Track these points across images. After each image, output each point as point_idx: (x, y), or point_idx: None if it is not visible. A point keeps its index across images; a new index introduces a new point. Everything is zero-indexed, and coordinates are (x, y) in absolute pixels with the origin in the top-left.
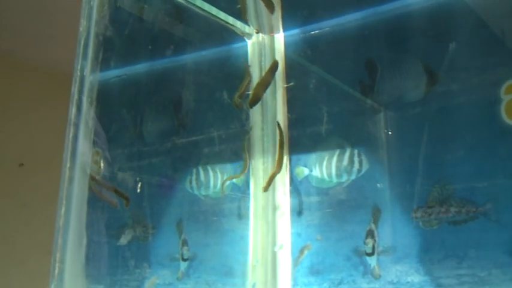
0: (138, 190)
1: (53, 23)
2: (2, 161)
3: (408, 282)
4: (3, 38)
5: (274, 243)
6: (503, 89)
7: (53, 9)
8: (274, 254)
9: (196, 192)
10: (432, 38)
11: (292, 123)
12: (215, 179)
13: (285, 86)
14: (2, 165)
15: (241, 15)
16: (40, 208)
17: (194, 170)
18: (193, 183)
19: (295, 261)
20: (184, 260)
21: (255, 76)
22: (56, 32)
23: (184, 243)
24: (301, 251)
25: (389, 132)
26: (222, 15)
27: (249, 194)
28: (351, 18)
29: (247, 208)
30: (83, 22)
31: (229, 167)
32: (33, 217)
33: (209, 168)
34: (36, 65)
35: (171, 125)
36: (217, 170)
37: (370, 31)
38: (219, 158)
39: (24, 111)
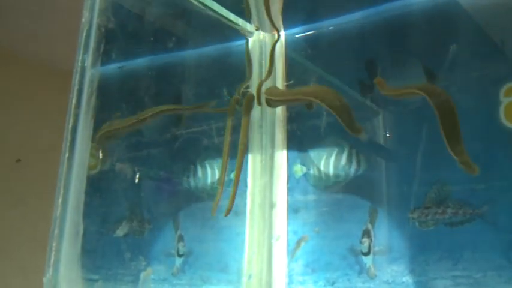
0: (136, 181)
1: (52, 19)
2: None
3: (403, 282)
4: (3, 34)
5: (270, 240)
6: (502, 91)
7: (52, 5)
8: (270, 249)
9: (193, 188)
10: (433, 39)
11: (290, 121)
12: (213, 175)
13: (285, 84)
14: None
15: (245, 14)
16: (37, 204)
17: (192, 166)
18: (191, 179)
19: (292, 252)
20: (179, 255)
21: (255, 73)
22: (55, 28)
23: (180, 239)
24: (298, 243)
25: (388, 135)
26: (224, 12)
27: (246, 191)
28: (351, 18)
29: (244, 205)
30: (85, 13)
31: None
32: (29, 213)
33: (207, 164)
34: (35, 61)
35: (170, 119)
36: (215, 167)
37: (371, 31)
38: (217, 154)
39: (22, 106)
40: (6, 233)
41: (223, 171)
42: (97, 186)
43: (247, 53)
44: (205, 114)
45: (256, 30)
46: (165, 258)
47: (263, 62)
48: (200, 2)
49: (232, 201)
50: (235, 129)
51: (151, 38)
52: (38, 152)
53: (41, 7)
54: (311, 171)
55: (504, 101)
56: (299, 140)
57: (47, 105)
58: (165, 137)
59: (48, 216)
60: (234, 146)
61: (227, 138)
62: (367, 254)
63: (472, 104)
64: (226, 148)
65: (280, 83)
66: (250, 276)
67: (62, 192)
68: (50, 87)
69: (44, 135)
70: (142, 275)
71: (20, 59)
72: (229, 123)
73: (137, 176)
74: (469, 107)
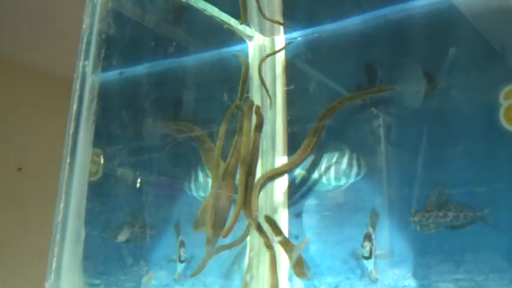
0: (138, 186)
1: (52, 27)
2: (0, 165)
3: (405, 286)
4: (4, 43)
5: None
6: (502, 94)
7: (52, 13)
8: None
9: (194, 193)
10: (432, 43)
11: (291, 125)
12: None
13: (285, 88)
14: (0, 169)
15: (241, 18)
16: (37, 212)
17: (193, 172)
18: (192, 184)
19: (294, 255)
20: (181, 261)
21: (256, 79)
22: (56, 36)
23: (182, 244)
24: (300, 245)
25: (388, 142)
26: (224, 17)
27: None
28: (351, 23)
29: None
30: (86, 20)
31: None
32: (30, 221)
33: (208, 170)
34: (35, 69)
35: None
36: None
37: (371, 35)
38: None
39: (23, 115)
40: (7, 241)
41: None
42: (98, 191)
43: (244, 75)
44: (206, 122)
45: (241, 24)
46: (166, 264)
47: (263, 65)
48: (200, 8)
49: (235, 220)
50: (232, 133)
51: (152, 44)
52: (38, 160)
53: (41, 16)
54: (312, 176)
55: (504, 103)
56: (300, 144)
57: (47, 114)
58: (166, 141)
59: (48, 223)
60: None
61: (220, 142)
62: (368, 257)
63: (472, 106)
64: (218, 151)
65: (280, 87)
66: (251, 281)
67: (63, 197)
68: (50, 95)
69: (44, 143)
70: (144, 279)
71: (20, 67)
72: (223, 128)
73: (138, 181)
74: (469, 109)
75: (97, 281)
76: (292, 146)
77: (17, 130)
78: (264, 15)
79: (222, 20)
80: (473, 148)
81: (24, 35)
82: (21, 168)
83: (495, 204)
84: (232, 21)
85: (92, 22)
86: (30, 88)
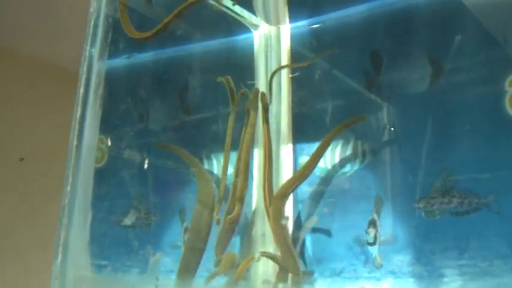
0: (144, 168)
1: (56, 19)
2: (2, 155)
3: (409, 272)
4: (6, 33)
5: None
6: (507, 81)
7: (57, 5)
8: None
9: None
10: (438, 30)
11: (296, 113)
12: (219, 167)
13: (290, 76)
14: (2, 159)
15: None
16: (40, 202)
17: (198, 159)
18: None
19: (301, 234)
20: None
21: (261, 68)
22: (59, 28)
23: (187, 230)
24: (306, 225)
25: (392, 129)
26: (229, 5)
27: (252, 183)
28: (356, 10)
29: (251, 197)
30: (94, 3)
31: (233, 156)
32: (33, 211)
33: (213, 156)
34: (39, 61)
35: (176, 111)
36: (221, 159)
37: (376, 23)
38: (222, 146)
39: (26, 105)
40: (10, 231)
41: (225, 167)
42: (104, 177)
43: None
44: (211, 109)
45: (233, 5)
46: (171, 250)
47: (268, 55)
48: None
49: (240, 208)
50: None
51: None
52: (41, 150)
53: (43, 6)
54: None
55: (509, 90)
56: (305, 131)
57: (49, 104)
58: (173, 125)
59: (51, 213)
60: (238, 139)
61: (229, 133)
62: (373, 244)
63: (477, 94)
64: (228, 139)
65: (285, 75)
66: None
67: (70, 180)
68: (52, 85)
69: (47, 133)
70: (151, 260)
71: (22, 57)
72: (232, 115)
73: (144, 167)
74: (474, 97)
75: (104, 262)
76: (296, 134)
77: (19, 121)
78: None
79: (228, 8)
80: (478, 135)
81: (26, 26)
82: (23, 159)
83: (499, 191)
84: (238, 10)
85: (99, 5)
86: (32, 79)
